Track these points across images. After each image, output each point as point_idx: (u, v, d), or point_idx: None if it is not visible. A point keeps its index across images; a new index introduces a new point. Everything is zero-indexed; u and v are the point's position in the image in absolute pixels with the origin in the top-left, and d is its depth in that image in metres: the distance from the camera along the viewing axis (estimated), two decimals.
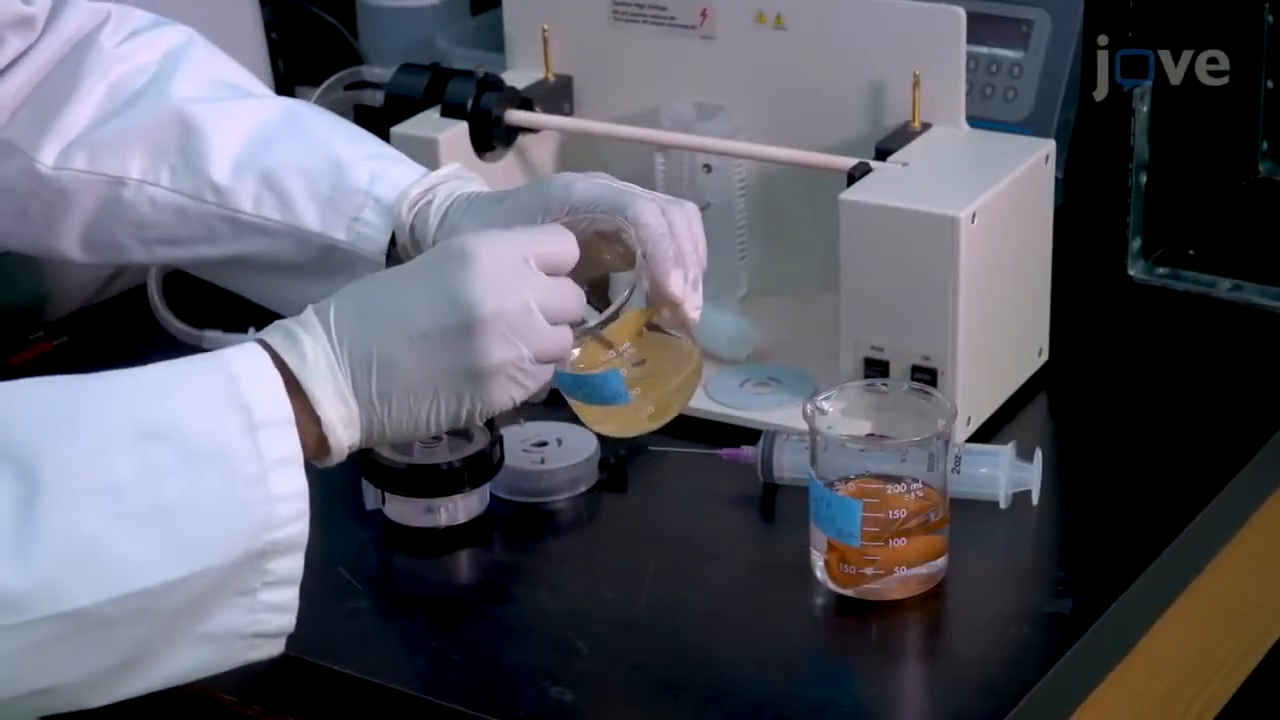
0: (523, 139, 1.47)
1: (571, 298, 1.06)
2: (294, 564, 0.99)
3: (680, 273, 1.12)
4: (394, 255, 1.25)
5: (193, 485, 0.94)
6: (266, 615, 0.99)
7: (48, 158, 1.27)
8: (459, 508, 1.24)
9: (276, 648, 1.01)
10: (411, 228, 1.24)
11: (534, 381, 1.04)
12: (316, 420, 1.00)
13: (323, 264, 1.26)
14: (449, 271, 1.02)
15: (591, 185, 1.16)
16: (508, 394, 1.04)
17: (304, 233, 1.25)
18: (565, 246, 1.06)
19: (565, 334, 1.05)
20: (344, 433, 1.01)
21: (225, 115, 1.28)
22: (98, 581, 0.91)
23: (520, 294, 1.02)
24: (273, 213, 1.25)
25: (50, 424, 0.93)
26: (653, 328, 1.14)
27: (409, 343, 1.01)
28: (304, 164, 1.26)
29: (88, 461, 0.92)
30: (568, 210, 1.15)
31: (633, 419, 1.15)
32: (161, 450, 0.94)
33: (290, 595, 0.99)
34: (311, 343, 1.01)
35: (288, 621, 1.00)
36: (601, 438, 1.27)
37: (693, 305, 1.12)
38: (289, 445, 0.98)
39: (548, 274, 1.04)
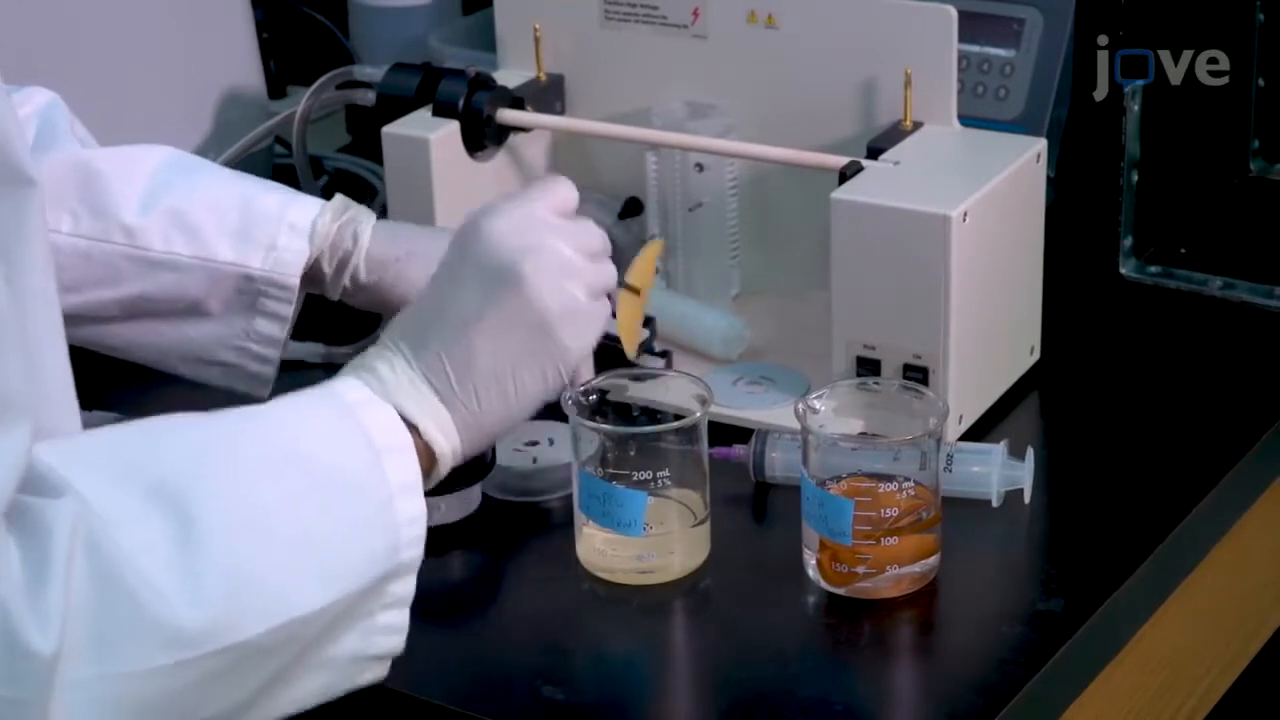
0: (514, 138, 1.47)
1: (593, 230, 1.10)
2: (409, 586, 1.00)
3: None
4: (304, 282, 1.27)
5: (329, 512, 0.96)
6: (380, 638, 1.00)
7: None
8: (451, 507, 1.24)
9: (383, 670, 1.01)
10: (333, 246, 1.27)
11: (596, 320, 1.08)
12: (419, 437, 1.02)
13: (231, 298, 1.27)
14: (476, 251, 1.06)
15: None
16: (579, 340, 1.07)
17: (215, 265, 1.26)
18: (565, 191, 1.10)
19: (606, 266, 1.09)
20: (444, 439, 1.03)
21: (124, 158, 1.29)
22: (260, 612, 0.91)
23: (546, 239, 1.06)
24: (183, 248, 1.26)
25: (190, 458, 0.93)
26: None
27: (469, 330, 1.04)
28: (210, 199, 1.28)
29: (233, 493, 0.93)
30: None
31: (627, 565, 1.18)
32: (298, 478, 0.95)
33: (402, 617, 1.00)
34: (385, 367, 1.04)
35: (398, 643, 1.01)
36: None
37: None
38: (410, 470, 1.00)
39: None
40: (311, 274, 1.28)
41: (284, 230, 1.27)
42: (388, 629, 1.00)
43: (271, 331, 1.28)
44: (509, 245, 1.06)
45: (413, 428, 1.02)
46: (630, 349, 1.13)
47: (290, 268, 1.26)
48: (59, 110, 1.31)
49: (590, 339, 1.07)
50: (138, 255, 1.26)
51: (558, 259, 1.06)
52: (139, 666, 0.87)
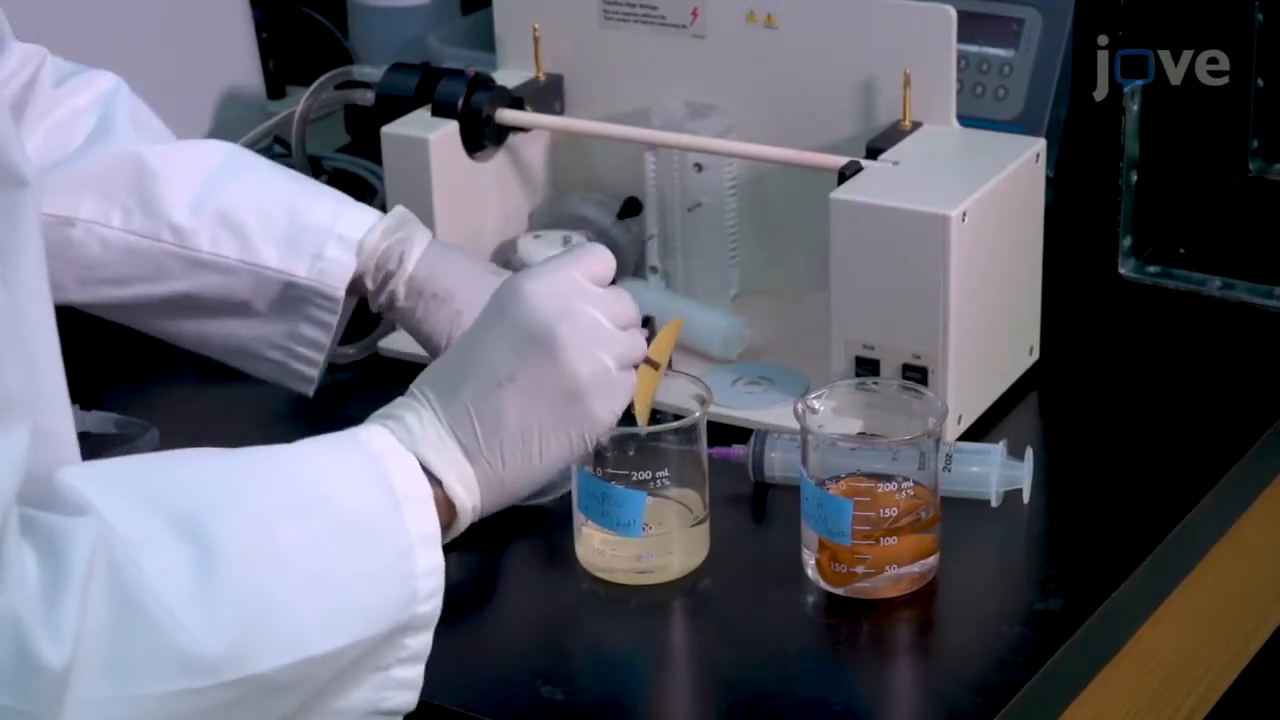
0: (513, 138, 1.47)
1: (627, 301, 1.09)
2: (425, 641, 0.99)
3: None
4: (350, 293, 1.29)
5: (350, 556, 0.95)
6: (393, 692, 0.99)
7: None
8: None
9: None
10: (378, 265, 1.28)
11: (624, 390, 1.07)
12: (440, 490, 1.02)
13: (277, 302, 1.28)
14: (513, 312, 1.06)
15: None
16: (606, 408, 1.06)
17: (262, 270, 1.27)
18: (605, 259, 1.09)
19: (637, 337, 1.09)
20: (465, 495, 1.03)
21: (177, 156, 1.30)
22: (274, 646, 0.91)
23: (584, 308, 1.06)
24: (230, 251, 1.28)
25: (214, 492, 0.93)
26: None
27: (501, 390, 1.04)
28: (260, 203, 1.29)
29: (254, 528, 0.92)
30: None
31: (626, 565, 1.18)
32: (319, 520, 0.95)
33: (417, 672, 1.00)
34: (414, 418, 1.03)
35: (410, 699, 1.00)
36: None
37: None
38: (430, 521, 0.99)
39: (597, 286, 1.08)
40: (357, 285, 1.30)
41: (332, 241, 1.28)
42: (401, 684, 0.99)
43: (316, 337, 1.29)
44: (546, 309, 1.05)
45: (435, 481, 1.02)
46: (643, 421, 1.14)
47: (335, 279, 1.28)
48: (120, 97, 1.32)
49: (618, 409, 1.07)
50: (186, 255, 1.28)
51: (592, 326, 1.06)
52: (152, 690, 0.87)
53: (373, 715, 0.99)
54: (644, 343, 1.10)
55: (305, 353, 1.30)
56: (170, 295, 1.29)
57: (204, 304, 1.29)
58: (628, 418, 1.15)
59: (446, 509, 1.02)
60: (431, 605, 0.99)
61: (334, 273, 1.28)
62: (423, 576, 0.98)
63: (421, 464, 1.01)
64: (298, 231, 1.28)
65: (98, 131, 1.30)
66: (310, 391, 1.32)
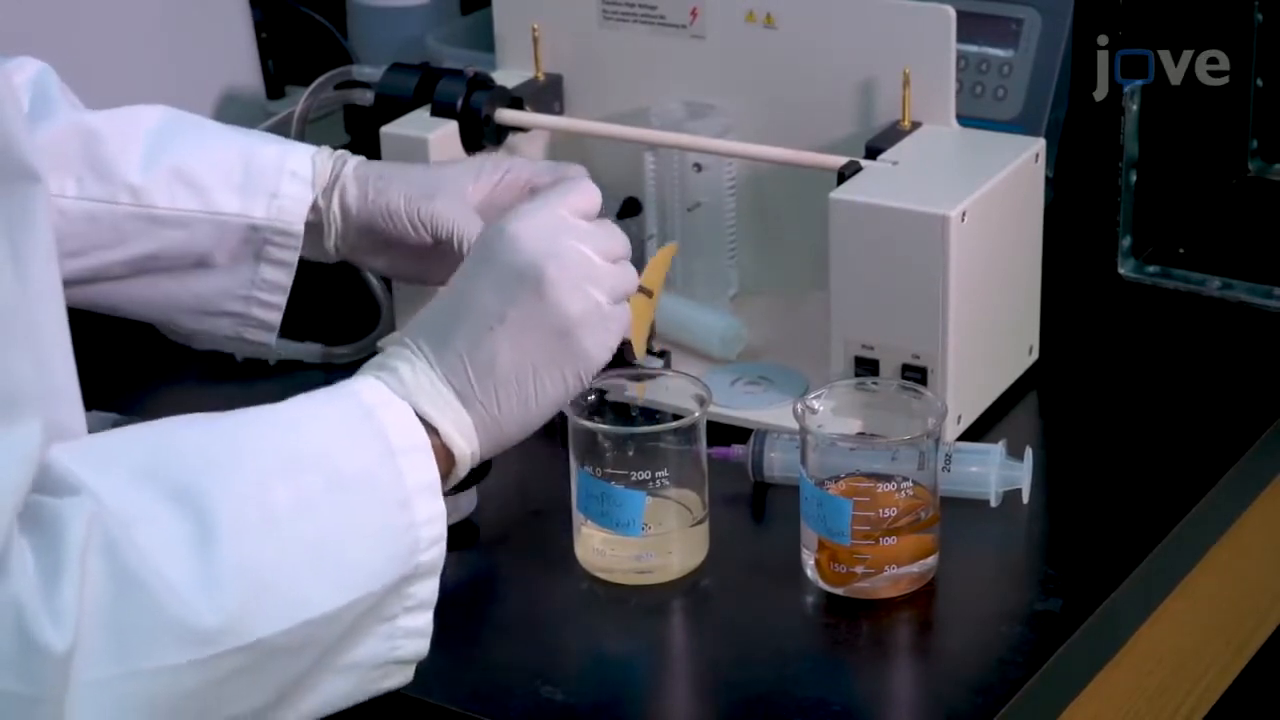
0: (513, 138, 1.47)
1: (617, 234, 1.10)
2: (432, 588, 1.00)
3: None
4: (309, 229, 1.31)
5: (346, 512, 0.96)
6: (404, 641, 0.99)
7: None
8: (448, 509, 1.23)
9: (407, 675, 1.01)
10: (331, 175, 1.31)
11: (617, 325, 1.08)
12: (438, 439, 1.02)
13: (237, 249, 1.30)
14: (500, 254, 1.06)
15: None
16: (599, 344, 1.07)
17: (221, 217, 1.29)
18: (590, 192, 1.10)
19: (627, 269, 1.09)
20: (463, 442, 1.03)
21: (120, 120, 1.32)
22: (276, 612, 0.91)
23: (572, 244, 1.06)
24: (188, 204, 1.29)
25: (206, 459, 0.93)
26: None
27: (492, 332, 1.04)
28: (209, 155, 1.31)
29: (249, 492, 0.93)
30: (505, 168, 1.29)
31: (625, 565, 1.18)
32: (314, 478, 0.95)
33: (426, 620, 1.00)
34: (407, 368, 1.03)
35: (422, 646, 1.00)
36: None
37: None
38: (427, 470, 0.99)
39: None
40: (311, 225, 1.31)
41: (285, 178, 1.31)
42: (410, 633, 0.99)
43: (278, 278, 1.31)
44: (532, 249, 1.05)
45: (432, 430, 1.02)
46: (639, 351, 1.13)
47: (293, 214, 1.30)
48: (50, 78, 1.34)
49: (611, 344, 1.07)
50: (144, 214, 1.29)
51: (580, 263, 1.06)
52: (157, 664, 0.87)
53: (386, 666, 0.99)
54: (635, 275, 1.09)
55: (266, 298, 1.32)
56: (129, 259, 1.30)
57: (164, 262, 1.30)
58: (623, 414, 1.16)
59: (445, 457, 1.02)
60: (434, 552, 0.99)
61: (291, 209, 1.30)
62: (424, 524, 0.98)
63: (417, 413, 1.01)
64: (250, 176, 1.30)
65: (36, 109, 1.31)
66: (272, 340, 1.34)
